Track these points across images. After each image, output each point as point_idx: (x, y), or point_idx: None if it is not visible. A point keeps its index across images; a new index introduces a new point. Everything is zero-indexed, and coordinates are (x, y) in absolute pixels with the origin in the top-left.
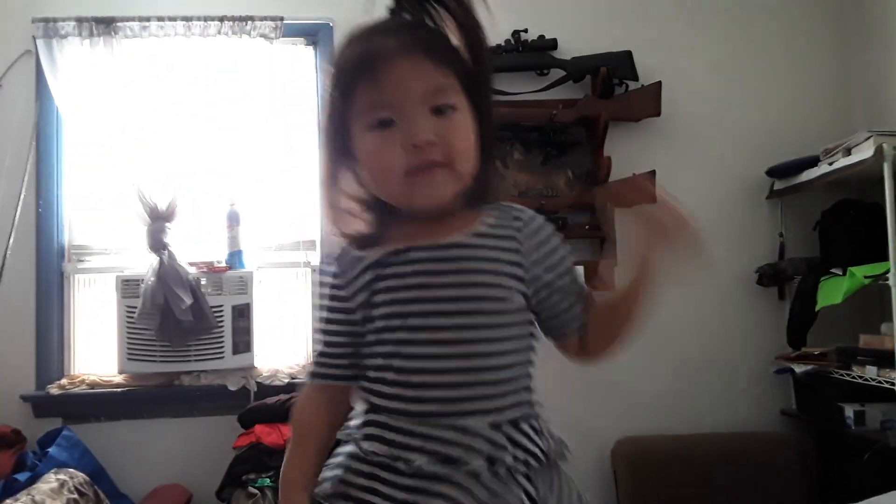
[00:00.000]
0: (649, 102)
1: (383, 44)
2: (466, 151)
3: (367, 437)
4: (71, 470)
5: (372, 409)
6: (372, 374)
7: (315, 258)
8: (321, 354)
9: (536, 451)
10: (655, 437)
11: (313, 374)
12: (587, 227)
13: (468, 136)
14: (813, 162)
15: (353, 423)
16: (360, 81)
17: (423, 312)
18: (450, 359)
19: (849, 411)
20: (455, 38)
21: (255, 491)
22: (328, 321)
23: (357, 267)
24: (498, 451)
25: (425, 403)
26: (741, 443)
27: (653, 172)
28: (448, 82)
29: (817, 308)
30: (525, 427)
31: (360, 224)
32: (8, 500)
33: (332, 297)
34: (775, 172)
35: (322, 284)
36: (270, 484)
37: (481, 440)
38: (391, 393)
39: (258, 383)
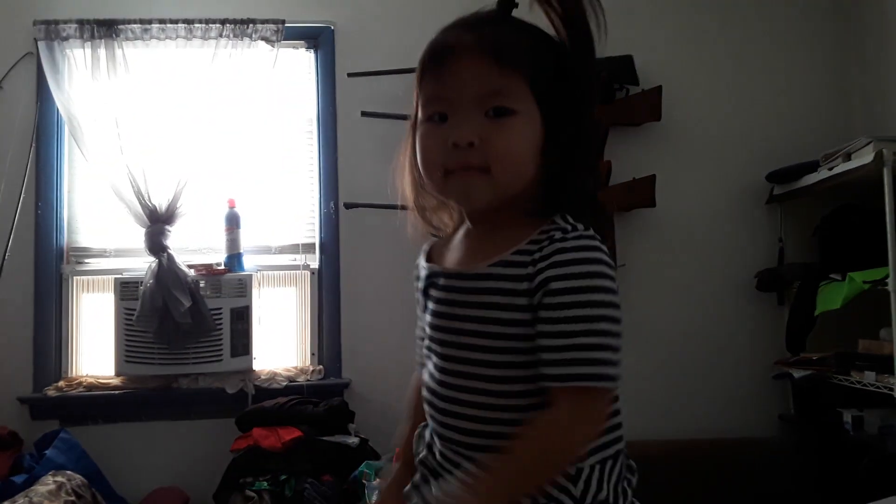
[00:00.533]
0: (650, 107)
1: (457, 37)
2: (512, 158)
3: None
4: (69, 472)
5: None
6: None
7: (314, 261)
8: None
9: (564, 498)
10: (652, 442)
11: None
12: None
13: (519, 143)
14: (813, 167)
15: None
16: (427, 71)
17: (447, 342)
18: (466, 392)
19: (847, 416)
20: (558, 38)
21: (253, 494)
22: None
23: (417, 268)
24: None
25: (450, 430)
26: (739, 448)
27: (653, 177)
28: (512, 86)
29: (816, 313)
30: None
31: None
32: (6, 502)
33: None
34: (775, 177)
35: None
36: (268, 487)
37: None
38: (432, 416)
39: (256, 386)
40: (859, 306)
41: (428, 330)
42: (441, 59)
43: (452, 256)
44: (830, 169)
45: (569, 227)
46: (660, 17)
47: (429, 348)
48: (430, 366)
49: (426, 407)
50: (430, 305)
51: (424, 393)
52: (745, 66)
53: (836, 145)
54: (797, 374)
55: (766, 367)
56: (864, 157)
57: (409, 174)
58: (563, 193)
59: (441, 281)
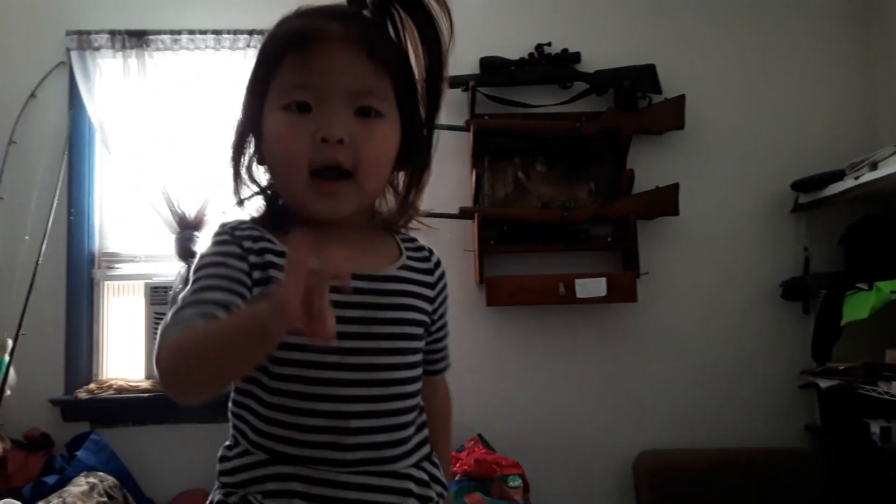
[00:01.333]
0: (673, 115)
1: (326, 25)
2: (377, 163)
3: (276, 495)
4: (101, 473)
5: (275, 458)
6: (271, 413)
7: None
8: (207, 303)
9: (444, 481)
10: (678, 451)
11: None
12: (609, 239)
13: (384, 148)
14: (838, 176)
15: (238, 474)
16: (288, 54)
17: (364, 350)
18: (387, 400)
19: (875, 427)
20: (412, 50)
21: None
22: (221, 276)
23: (259, 244)
24: (424, 489)
25: (364, 450)
26: (765, 458)
27: (676, 185)
28: (382, 88)
29: (843, 323)
30: (434, 459)
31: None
32: (39, 503)
33: (228, 254)
34: (800, 186)
35: (216, 244)
36: None
37: (411, 482)
38: (317, 441)
39: None
40: (886, 316)
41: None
42: (307, 45)
43: (323, 256)
44: (857, 178)
45: (426, 244)
46: (683, 26)
47: (335, 364)
48: (342, 388)
49: (301, 436)
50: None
51: (332, 423)
52: (769, 73)
53: (863, 154)
54: (824, 384)
55: (792, 376)
56: (891, 167)
57: (231, 162)
58: (405, 209)
59: (354, 283)
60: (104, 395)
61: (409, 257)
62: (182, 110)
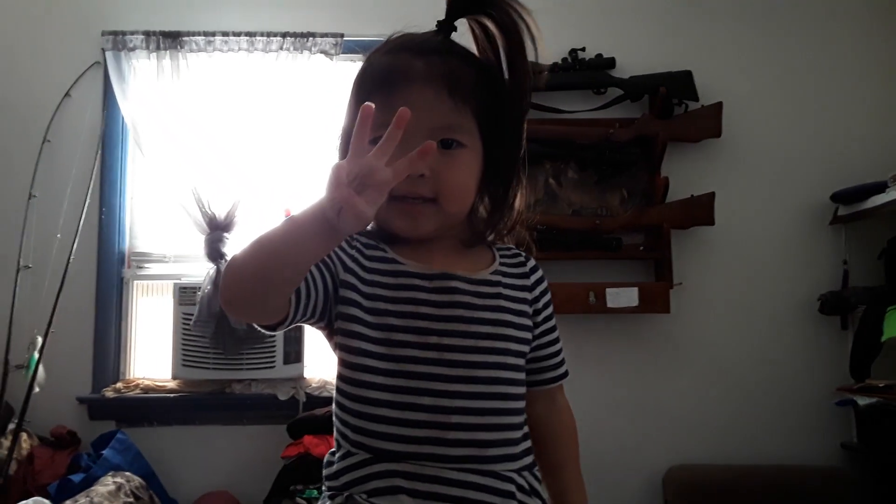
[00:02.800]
0: (709, 123)
1: (409, 63)
2: (459, 191)
3: (382, 493)
4: (127, 473)
5: (378, 456)
6: (372, 410)
7: None
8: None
9: (545, 498)
10: (709, 467)
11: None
12: (641, 247)
13: (466, 177)
14: (880, 188)
15: (342, 476)
16: (376, 94)
17: (464, 347)
18: (488, 399)
19: None
20: (497, 72)
21: (303, 502)
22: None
23: (376, 251)
24: (526, 497)
25: (466, 447)
26: (799, 476)
27: (712, 195)
28: (462, 121)
29: (883, 339)
30: (536, 473)
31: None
32: (67, 502)
33: (347, 246)
34: (840, 197)
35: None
36: (318, 496)
37: (514, 486)
38: (418, 436)
39: (307, 394)
40: None
41: (429, 337)
42: (391, 85)
43: (427, 259)
44: None
45: (522, 252)
46: (720, 31)
47: (437, 360)
48: (441, 383)
49: (403, 430)
50: (415, 307)
51: (434, 417)
52: (809, 81)
53: None
54: (862, 401)
55: (829, 393)
56: None
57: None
58: (494, 224)
59: (454, 283)
60: (131, 394)
61: (502, 263)
62: (214, 112)
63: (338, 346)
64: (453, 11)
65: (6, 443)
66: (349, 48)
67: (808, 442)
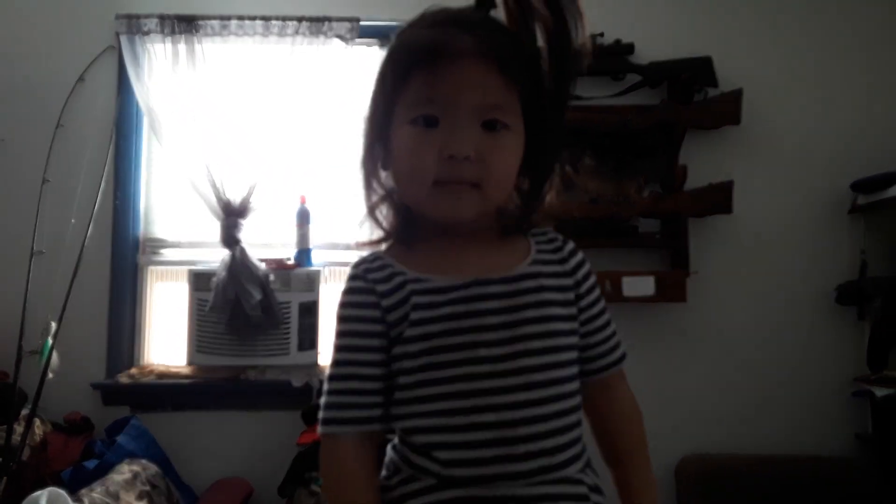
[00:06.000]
0: (729, 110)
1: (456, 37)
2: (503, 175)
3: None
4: (143, 461)
5: (443, 482)
6: (433, 437)
7: None
8: (349, 392)
9: (604, 491)
10: (722, 456)
11: (342, 421)
12: (658, 235)
13: (510, 161)
14: None
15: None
16: (418, 68)
17: (515, 353)
18: (550, 402)
19: None
20: (539, 55)
21: (318, 489)
22: (356, 348)
23: (394, 281)
24: (596, 496)
25: (537, 458)
26: (813, 466)
27: (730, 183)
28: (510, 100)
29: None
30: (593, 466)
31: (389, 225)
32: (83, 490)
33: (362, 312)
34: (860, 186)
35: (350, 292)
36: None
37: (585, 487)
38: (487, 456)
39: (322, 381)
40: None
41: (464, 352)
42: (436, 59)
43: (450, 265)
44: None
45: (559, 235)
46: (740, 18)
47: (490, 373)
48: (500, 396)
49: (470, 453)
50: (468, 323)
51: (499, 434)
52: (830, 68)
53: None
54: (879, 392)
55: (845, 383)
56: None
57: (362, 169)
58: (531, 212)
59: (467, 291)
60: (145, 380)
61: (539, 251)
62: (229, 97)
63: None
64: None
65: (19, 429)
66: (365, 33)
67: (823, 432)
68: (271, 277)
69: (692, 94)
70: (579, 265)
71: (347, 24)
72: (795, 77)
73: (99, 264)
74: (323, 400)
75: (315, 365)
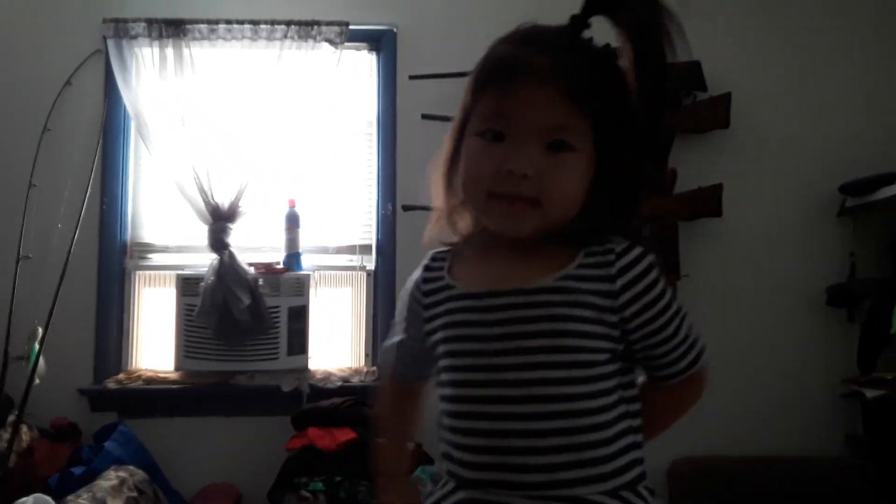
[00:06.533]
0: (718, 114)
1: (532, 58)
2: (563, 195)
3: None
4: (131, 467)
5: (459, 484)
6: (449, 437)
7: (370, 263)
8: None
9: None
10: (713, 458)
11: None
12: (648, 238)
13: (573, 181)
14: (890, 179)
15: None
16: (492, 83)
17: (516, 365)
18: (553, 418)
19: None
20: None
21: (308, 495)
22: (405, 328)
23: (436, 283)
24: None
25: (535, 472)
26: (804, 467)
27: (720, 186)
28: (578, 124)
29: (892, 331)
30: (642, 491)
31: (461, 227)
32: (70, 497)
33: (411, 301)
34: (849, 189)
35: (412, 280)
36: (322, 488)
37: None
38: (482, 462)
39: (311, 386)
40: None
41: (478, 359)
42: (510, 77)
43: (483, 274)
44: None
45: (623, 241)
46: (729, 22)
47: (489, 381)
48: (496, 406)
49: (467, 456)
50: (478, 331)
51: (493, 442)
52: (819, 72)
53: None
54: (869, 393)
55: (834, 385)
56: None
57: (442, 172)
58: (600, 231)
59: (498, 300)
60: (133, 385)
61: (582, 265)
62: (218, 101)
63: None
64: (589, 7)
65: (6, 435)
66: (354, 37)
67: (814, 434)
68: (260, 282)
69: (681, 99)
70: (622, 271)
71: (336, 29)
72: (784, 81)
73: (86, 269)
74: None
75: (305, 369)
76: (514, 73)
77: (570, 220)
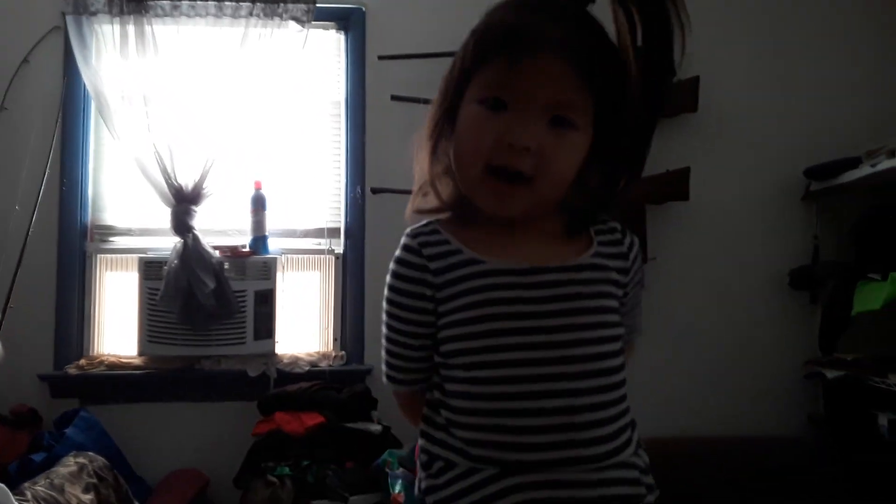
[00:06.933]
0: (685, 97)
1: (543, 28)
2: (558, 173)
3: None
4: (90, 454)
5: (507, 469)
6: (495, 420)
7: (339, 246)
8: (400, 358)
9: (649, 469)
10: (677, 439)
11: (397, 381)
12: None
13: (569, 160)
14: (854, 163)
15: (463, 499)
16: (499, 50)
17: (577, 341)
18: (609, 390)
19: (882, 420)
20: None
21: (274, 479)
22: (405, 322)
23: (449, 259)
24: (645, 476)
25: (598, 444)
26: (767, 447)
27: (687, 169)
28: (584, 101)
29: (854, 313)
30: (643, 446)
31: (448, 197)
32: (27, 483)
33: (412, 288)
34: (813, 173)
35: (402, 263)
36: (290, 473)
37: (637, 470)
38: (550, 441)
39: (278, 370)
40: None
41: (517, 337)
42: (520, 46)
43: (506, 249)
44: (873, 166)
45: (619, 225)
46: (696, 6)
47: (520, 360)
48: (563, 382)
49: (530, 438)
50: (529, 308)
51: (557, 420)
52: (785, 57)
53: (880, 142)
54: (830, 374)
55: (797, 366)
56: None
57: (428, 135)
58: (595, 212)
59: (524, 278)
60: (95, 371)
61: (600, 242)
62: (180, 80)
63: (440, 366)
64: None
65: None
66: (321, 15)
67: (777, 414)
68: (226, 265)
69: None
70: (635, 259)
71: (303, 7)
72: (751, 66)
73: (45, 252)
74: (383, 357)
75: (272, 354)
76: (527, 42)
77: (554, 200)
